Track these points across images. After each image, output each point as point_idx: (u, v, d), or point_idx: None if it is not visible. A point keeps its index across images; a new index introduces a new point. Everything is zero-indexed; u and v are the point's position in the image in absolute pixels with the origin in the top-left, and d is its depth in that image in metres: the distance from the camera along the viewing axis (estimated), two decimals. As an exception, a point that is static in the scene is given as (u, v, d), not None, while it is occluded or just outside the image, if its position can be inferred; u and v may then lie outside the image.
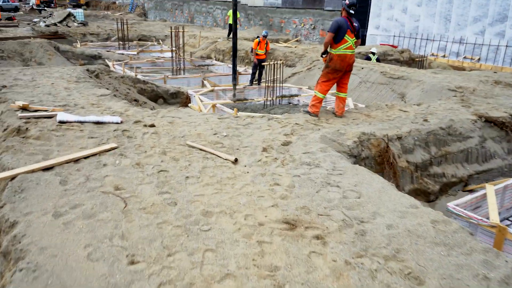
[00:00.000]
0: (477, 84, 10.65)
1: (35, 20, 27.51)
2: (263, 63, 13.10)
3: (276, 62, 11.77)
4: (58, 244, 2.86)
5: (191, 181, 3.97)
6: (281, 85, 11.94)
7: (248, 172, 4.20)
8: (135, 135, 5.27)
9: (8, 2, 48.58)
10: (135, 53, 19.83)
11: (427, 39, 19.95)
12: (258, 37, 13.45)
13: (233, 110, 9.30)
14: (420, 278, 2.60)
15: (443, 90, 10.19)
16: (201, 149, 4.81)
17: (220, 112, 9.95)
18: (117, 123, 5.68)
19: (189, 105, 11.25)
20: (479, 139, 6.96)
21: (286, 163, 4.49)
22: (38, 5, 46.92)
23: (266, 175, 4.14)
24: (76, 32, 24.19)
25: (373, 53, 15.17)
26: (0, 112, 6.08)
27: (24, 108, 5.92)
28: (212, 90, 11.84)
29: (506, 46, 16.96)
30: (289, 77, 14.53)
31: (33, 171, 3.99)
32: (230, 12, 19.96)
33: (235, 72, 11.46)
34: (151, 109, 10.45)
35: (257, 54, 13.30)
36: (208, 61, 18.65)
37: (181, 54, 16.39)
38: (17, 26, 22.79)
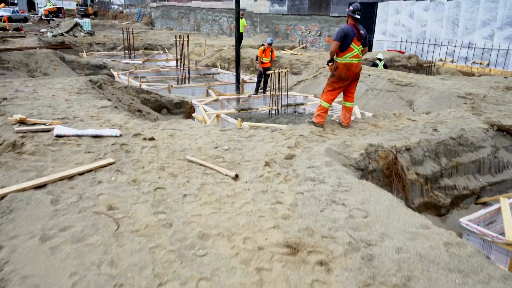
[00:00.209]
0: (488, 91, 10.37)
1: (43, 30, 27.71)
2: (268, 71, 12.93)
3: (281, 70, 11.60)
4: (42, 272, 2.67)
5: (189, 199, 3.78)
6: (286, 93, 11.75)
7: (249, 189, 4.00)
8: (134, 149, 5.10)
9: (18, 12, 49.21)
10: (141, 62, 19.81)
11: (434, 44, 19.67)
12: (263, 44, 13.29)
13: (237, 120, 9.12)
14: (433, 311, 2.37)
15: (453, 97, 9.93)
16: (201, 164, 4.63)
17: (224, 122, 9.79)
18: (116, 136, 5.52)
19: (193, 115, 11.10)
20: (491, 149, 6.69)
21: (289, 178, 4.28)
22: (46, 16, 47.41)
23: (267, 192, 3.94)
24: (83, 42, 24.30)
25: (380, 59, 14.94)
26: (-2, 126, 5.96)
27: (22, 122, 5.79)
28: (216, 100, 11.69)
29: (516, 50, 16.62)
30: (295, 85, 14.34)
31: (24, 189, 3.82)
32: None
33: (238, 81, 11.31)
34: (155, 120, 10.36)
35: (262, 62, 13.14)
36: (213, 70, 18.56)
37: (186, 63, 16.30)
38: (24, 36, 22.95)
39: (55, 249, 2.93)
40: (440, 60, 19.08)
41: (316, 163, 4.70)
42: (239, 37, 11.93)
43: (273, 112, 11.39)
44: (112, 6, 68.86)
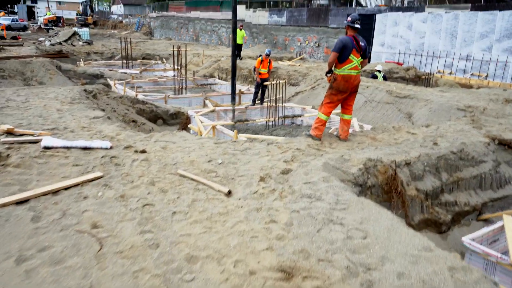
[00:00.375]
0: (487, 103, 10.24)
1: (41, 39, 27.66)
2: (265, 82, 12.81)
3: (279, 81, 11.47)
4: (16, 299, 2.47)
5: (178, 217, 3.59)
6: (284, 104, 11.61)
7: (242, 207, 3.81)
8: (124, 162, 4.91)
9: (17, 21, 49.30)
10: (138, 72, 19.70)
11: (433, 56, 19.65)
12: (261, 55, 13.19)
13: (233, 131, 8.96)
14: None
15: (452, 109, 9.80)
16: (192, 179, 4.44)
17: (220, 134, 9.61)
18: (106, 148, 5.34)
19: (189, 126, 10.93)
20: (493, 163, 6.53)
21: (284, 195, 4.10)
22: (46, 24, 47.46)
23: (261, 210, 3.75)
24: (81, 51, 24.22)
25: (379, 71, 14.84)
26: (-15, 137, 5.77)
27: (9, 132, 5.61)
28: (213, 111, 11.54)
29: (515, 63, 16.58)
30: (293, 96, 14.22)
31: (4, 205, 3.63)
32: (238, 32, 19.83)
33: (234, 93, 11.17)
34: (150, 130, 10.17)
35: (260, 73, 13.02)
36: (211, 80, 18.44)
37: (184, 73, 16.18)
38: (21, 45, 22.86)
39: (31, 272, 2.72)
40: (439, 72, 19.04)
41: (313, 179, 4.51)
42: (236, 48, 11.79)
43: (270, 123, 11.23)
44: (112, 16, 69.17)
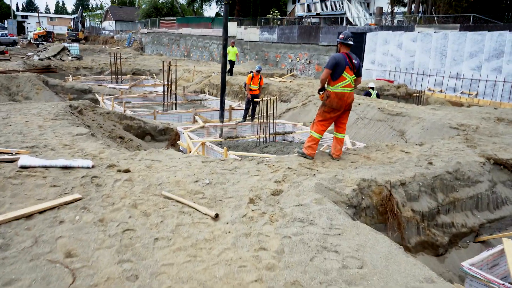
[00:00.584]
0: (480, 122, 10.18)
1: (29, 53, 27.37)
2: (256, 99, 12.65)
3: (269, 98, 11.32)
4: None
5: (161, 244, 3.32)
6: (275, 121, 11.44)
7: (229, 232, 3.56)
8: (106, 182, 4.64)
9: (7, 36, 49.05)
10: (127, 87, 19.46)
11: (423, 74, 19.76)
12: (251, 72, 13.07)
13: (223, 149, 8.72)
14: None
15: (445, 128, 9.70)
16: (178, 201, 4.18)
17: (209, 151, 9.38)
18: (87, 167, 5.06)
19: (178, 142, 10.68)
20: (489, 183, 6.37)
21: (275, 219, 3.85)
22: (36, 39, 47.29)
23: (250, 236, 3.50)
24: (69, 66, 23.97)
25: (372, 88, 14.80)
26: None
27: (-15, 150, 5.31)
28: (202, 127, 11.31)
29: (504, 81, 16.71)
30: (284, 112, 14.08)
31: (-30, 231, 3.33)
32: (230, 48, 19.79)
33: (223, 109, 10.99)
34: (137, 147, 9.90)
35: (250, 89, 12.88)
36: (201, 96, 18.27)
37: (174, 89, 15.99)
38: (9, 59, 22.54)
39: (-8, 311, 2.43)
40: (429, 90, 19.12)
41: (305, 201, 4.28)
42: (225, 65, 11.66)
43: (261, 140, 11.03)
44: (103, 32, 69.21)
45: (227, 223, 3.73)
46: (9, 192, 4.18)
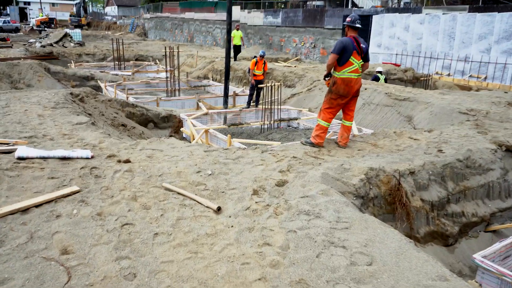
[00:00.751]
0: (490, 106, 9.91)
1: (31, 40, 27.14)
2: (260, 84, 12.42)
3: (274, 83, 11.09)
4: None
5: (161, 239, 3.19)
6: (279, 107, 11.23)
7: (232, 226, 3.42)
8: (105, 173, 4.50)
9: (9, 23, 48.73)
10: (130, 73, 19.25)
11: (430, 57, 19.34)
12: (255, 57, 12.81)
13: (227, 136, 8.56)
14: None
15: (454, 113, 9.45)
16: (179, 193, 4.04)
17: (213, 139, 9.22)
18: (87, 158, 4.93)
19: (181, 129, 10.53)
20: (500, 171, 6.17)
21: (280, 211, 3.70)
22: (38, 26, 46.92)
23: (254, 230, 3.35)
24: (72, 52, 23.75)
25: (380, 73, 14.48)
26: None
27: (-18, 141, 5.18)
28: (206, 114, 11.13)
29: (514, 64, 16.29)
30: (288, 98, 13.85)
31: (-36, 227, 3.21)
32: (235, 32, 19.37)
33: (227, 96, 10.77)
34: (140, 134, 9.76)
35: (254, 75, 12.64)
36: (204, 82, 18.04)
37: (177, 75, 15.77)
38: (10, 46, 22.35)
39: (-18, 314, 2.32)
40: (436, 73, 18.73)
41: (311, 192, 4.12)
42: (230, 50, 11.40)
43: (266, 127, 10.84)
44: (106, 17, 68.58)
45: (230, 217, 3.59)
46: (5, 185, 4.05)
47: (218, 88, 16.62)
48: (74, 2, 66.62)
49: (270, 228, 3.39)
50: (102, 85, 15.55)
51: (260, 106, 11.96)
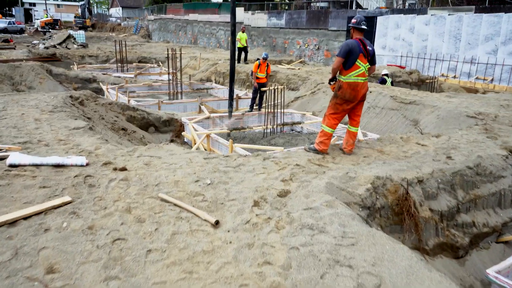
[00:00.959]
0: (498, 110, 9.67)
1: (35, 42, 27.09)
2: (263, 87, 12.22)
3: (277, 86, 10.89)
4: None
5: (154, 257, 2.98)
6: (282, 111, 11.02)
7: (231, 242, 3.21)
8: (99, 182, 4.31)
9: (14, 24, 48.86)
10: (132, 75, 19.11)
11: (436, 59, 19.07)
12: (258, 59, 12.61)
13: (228, 141, 8.36)
14: None
15: (461, 116, 9.20)
16: (175, 205, 3.84)
17: (214, 143, 9.02)
18: (81, 165, 4.74)
19: (183, 133, 10.35)
20: (512, 178, 5.93)
21: (281, 225, 3.49)
22: (43, 27, 46.96)
23: (254, 247, 3.15)
24: (75, 54, 23.66)
25: (387, 75, 14.25)
26: None
27: (-26, 147, 5.01)
28: (208, 117, 10.94)
29: (522, 66, 16.01)
30: (292, 101, 13.63)
31: None
32: (240, 34, 19.14)
33: (232, 99, 10.57)
34: (141, 138, 9.58)
35: (257, 78, 12.44)
36: (207, 84, 17.86)
37: (179, 77, 15.60)
38: (13, 48, 22.29)
39: None
40: (442, 75, 18.46)
41: (315, 203, 3.91)
42: (234, 51, 11.19)
43: (269, 131, 10.64)
44: (110, 19, 68.68)
45: (229, 231, 3.38)
46: (-6, 195, 3.87)
47: (221, 91, 16.44)
48: (79, 4, 66.80)
49: (271, 245, 3.18)
50: (104, 87, 15.40)
51: (263, 110, 11.75)
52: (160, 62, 23.88)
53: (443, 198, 5.23)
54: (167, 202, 3.90)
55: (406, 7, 27.83)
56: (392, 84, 14.21)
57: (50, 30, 44.58)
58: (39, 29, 46.76)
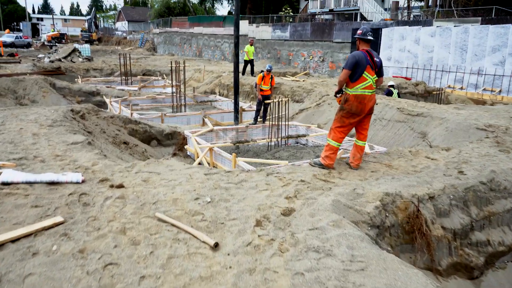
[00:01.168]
0: (509, 122, 9.41)
1: (40, 56, 27.25)
2: (267, 100, 12.06)
3: (281, 99, 10.72)
4: None
5: (147, 284, 2.76)
6: (287, 123, 10.83)
7: (230, 267, 2.98)
8: (94, 201, 4.11)
9: (21, 38, 49.43)
10: (136, 88, 19.06)
11: (442, 71, 18.88)
12: (262, 71, 12.48)
13: (231, 155, 8.17)
14: None
15: (471, 129, 8.95)
16: (173, 225, 3.62)
17: (217, 157, 8.82)
18: (77, 182, 4.55)
19: (186, 147, 10.18)
20: (528, 194, 5.66)
21: (285, 248, 3.26)
22: (49, 41, 47.44)
23: (255, 272, 2.92)
24: (80, 67, 23.72)
25: (393, 87, 14.06)
26: None
27: (-32, 164, 4.84)
28: (211, 130, 10.76)
29: (530, 77, 15.76)
30: (297, 113, 13.45)
31: None
32: (248, 47, 19.07)
33: (237, 111, 10.40)
34: (143, 152, 9.41)
35: (261, 90, 12.29)
36: (211, 97, 17.75)
37: (183, 90, 15.49)
38: (19, 62, 22.39)
39: None
40: (449, 87, 18.24)
41: (321, 223, 3.68)
42: (238, 63, 11.06)
43: (273, 144, 10.43)
44: (116, 32, 69.37)
45: (228, 254, 3.16)
46: (-17, 215, 3.68)
47: (225, 103, 16.31)
48: (86, 18, 67.61)
49: (274, 270, 2.95)
50: (107, 100, 15.33)
51: (267, 122, 11.57)
52: (164, 75, 23.86)
53: (455, 216, 4.98)
54: (164, 222, 3.68)
55: (411, 18, 27.76)
56: (398, 95, 14.01)
57: (56, 44, 45.00)
58: (46, 43, 47.23)
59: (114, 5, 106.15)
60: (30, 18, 76.08)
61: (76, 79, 20.74)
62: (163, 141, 10.56)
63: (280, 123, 10.52)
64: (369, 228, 4.13)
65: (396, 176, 5.37)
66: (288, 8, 40.84)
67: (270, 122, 10.66)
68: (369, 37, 5.19)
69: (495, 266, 5.17)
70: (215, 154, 8.96)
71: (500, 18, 18.93)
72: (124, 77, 20.94)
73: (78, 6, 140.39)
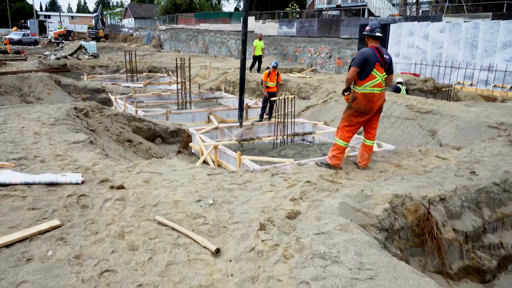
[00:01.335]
0: (522, 119, 9.15)
1: (46, 53, 27.27)
2: (273, 97, 11.89)
3: (287, 96, 10.54)
4: None
5: (144, 293, 2.63)
6: (293, 120, 10.66)
7: (232, 275, 2.84)
8: (94, 203, 3.99)
9: (28, 36, 49.65)
10: (142, 85, 18.97)
11: (451, 67, 18.55)
12: (268, 68, 12.30)
13: (236, 153, 8.02)
14: None
15: (482, 127, 8.73)
16: (173, 229, 3.49)
17: (222, 155, 8.69)
18: (76, 183, 4.44)
19: (190, 144, 10.05)
20: (542, 195, 5.45)
21: (290, 254, 3.11)
22: (56, 39, 47.62)
23: (258, 281, 2.77)
24: (85, 64, 23.69)
25: (401, 83, 13.82)
26: None
27: (-34, 164, 4.75)
28: (216, 128, 10.62)
29: (542, 73, 15.41)
30: (303, 110, 13.26)
31: None
32: (256, 42, 18.79)
33: (242, 109, 10.24)
34: (147, 150, 9.30)
35: (267, 87, 12.12)
36: (217, 94, 17.60)
37: (188, 86, 15.37)
38: (24, 59, 22.40)
39: None
40: (458, 83, 17.92)
41: (328, 227, 3.53)
42: (244, 60, 10.88)
43: (278, 141, 10.27)
44: (123, 29, 69.44)
45: (230, 261, 3.02)
46: (-22, 218, 3.57)
47: (231, 100, 16.16)
48: (93, 15, 67.76)
49: (278, 278, 2.80)
50: (112, 97, 15.25)
51: (273, 120, 11.41)
52: (170, 72, 23.76)
53: (467, 218, 4.79)
54: (165, 225, 3.55)
55: (420, 14, 27.37)
56: (407, 92, 13.76)
57: (63, 41, 45.12)
58: (53, 40, 47.41)
59: (121, 2, 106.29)
60: (38, 16, 76.33)
61: (81, 76, 20.71)
62: (168, 139, 10.45)
63: (286, 120, 10.36)
64: (378, 231, 3.97)
65: (406, 177, 5.19)
66: (295, 4, 40.55)
67: (276, 119, 10.50)
68: (378, 34, 5.00)
69: (508, 269, 4.98)
70: (219, 152, 8.82)
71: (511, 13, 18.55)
72: (129, 74, 20.89)
73: (85, 3, 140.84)
